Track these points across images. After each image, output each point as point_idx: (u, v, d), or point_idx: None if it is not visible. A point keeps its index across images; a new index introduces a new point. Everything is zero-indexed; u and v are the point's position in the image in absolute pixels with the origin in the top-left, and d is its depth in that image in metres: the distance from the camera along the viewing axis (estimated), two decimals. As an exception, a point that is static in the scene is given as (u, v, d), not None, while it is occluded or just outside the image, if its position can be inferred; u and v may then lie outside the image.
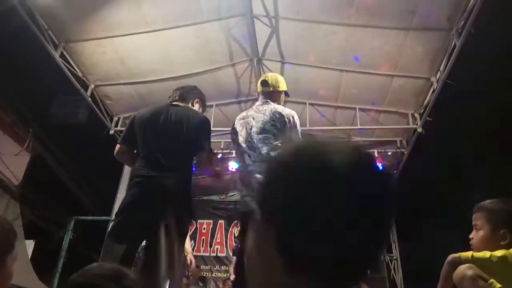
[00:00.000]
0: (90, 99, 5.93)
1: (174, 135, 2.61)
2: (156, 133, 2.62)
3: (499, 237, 1.84)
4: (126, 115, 6.68)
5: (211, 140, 7.06)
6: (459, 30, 4.50)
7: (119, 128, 6.61)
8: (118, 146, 2.75)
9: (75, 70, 5.57)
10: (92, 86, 5.93)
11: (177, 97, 2.90)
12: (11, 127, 6.68)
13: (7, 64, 5.77)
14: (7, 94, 6.33)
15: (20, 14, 4.44)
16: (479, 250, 1.81)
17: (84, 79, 5.77)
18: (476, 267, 1.69)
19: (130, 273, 1.14)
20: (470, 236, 1.99)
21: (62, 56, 5.28)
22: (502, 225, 1.86)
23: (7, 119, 6.59)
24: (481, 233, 1.93)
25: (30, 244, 7.69)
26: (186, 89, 2.97)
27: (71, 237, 7.42)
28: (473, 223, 1.99)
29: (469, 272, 1.68)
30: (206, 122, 2.80)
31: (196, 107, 2.97)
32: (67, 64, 5.38)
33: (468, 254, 1.78)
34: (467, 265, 1.72)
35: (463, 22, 4.38)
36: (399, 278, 7.89)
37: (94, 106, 6.10)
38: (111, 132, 6.50)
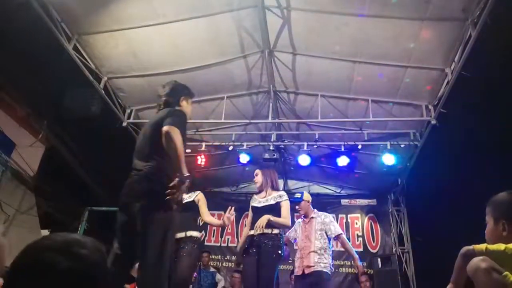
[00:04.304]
0: (103, 91, 5.99)
1: (145, 136, 2.78)
2: (138, 141, 2.87)
3: (501, 229, 1.84)
4: (139, 107, 6.74)
5: (222, 133, 6.98)
6: (475, 20, 4.41)
7: (131, 120, 6.66)
8: None
9: (88, 62, 5.62)
10: (105, 78, 5.98)
11: (162, 106, 2.96)
12: (26, 119, 6.77)
13: (21, 57, 5.84)
14: (22, 87, 6.41)
15: (34, 7, 4.49)
16: (490, 243, 1.80)
17: (97, 71, 5.82)
18: (490, 259, 1.68)
19: (86, 242, 1.00)
20: (486, 230, 2.00)
21: (75, 48, 5.33)
22: (501, 217, 1.86)
23: (22, 112, 6.68)
24: (488, 226, 1.94)
25: (45, 234, 7.85)
26: (169, 93, 3.00)
27: (85, 228, 7.55)
28: (486, 217, 2.00)
29: (483, 265, 1.67)
30: (173, 110, 2.79)
31: (184, 103, 3.04)
32: (80, 57, 5.43)
33: (482, 246, 1.77)
34: (481, 257, 1.71)
35: (478, 12, 4.30)
36: (411, 271, 7.87)
37: (107, 98, 6.15)
38: (124, 124, 6.56)
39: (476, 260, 1.71)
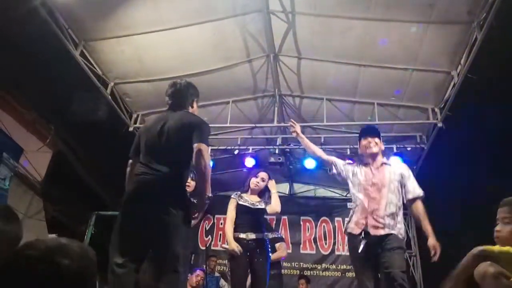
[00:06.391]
0: (109, 96, 6.04)
1: (166, 138, 2.67)
2: (152, 139, 2.71)
3: None
4: (145, 112, 6.78)
5: (228, 137, 7.00)
6: (480, 23, 4.40)
7: (138, 125, 6.71)
8: (129, 161, 2.85)
9: (94, 68, 5.68)
10: (112, 83, 6.04)
11: (174, 104, 2.91)
12: (33, 124, 6.83)
13: (29, 63, 5.89)
14: (29, 93, 6.47)
15: (42, 14, 4.55)
16: (505, 244, 1.79)
17: (103, 77, 5.88)
18: (497, 264, 1.67)
19: (71, 249, 0.98)
20: (497, 229, 1.96)
21: (82, 54, 5.39)
22: None
23: (30, 117, 6.73)
24: (505, 228, 1.90)
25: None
26: (181, 93, 2.92)
27: (93, 232, 7.58)
28: (501, 216, 1.96)
29: (491, 270, 1.66)
30: (200, 120, 2.77)
31: (195, 106, 3.00)
32: (87, 63, 5.49)
33: (494, 248, 1.75)
34: (488, 262, 1.70)
35: (484, 14, 4.29)
36: (418, 274, 7.80)
37: (114, 104, 6.21)
38: (131, 129, 6.60)
39: (484, 265, 1.70)
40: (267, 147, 7.17)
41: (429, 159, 6.67)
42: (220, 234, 8.70)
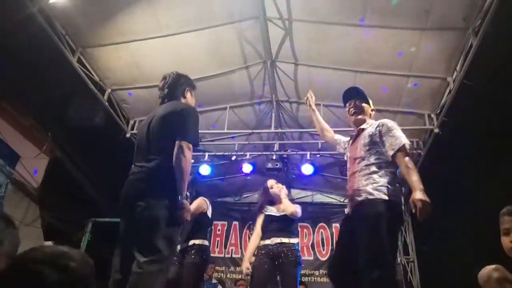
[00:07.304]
0: (107, 103, 6.04)
1: (151, 133, 2.57)
2: (142, 137, 2.64)
3: None
4: (142, 118, 6.76)
5: (225, 143, 6.96)
6: (476, 29, 4.44)
7: (135, 131, 6.70)
8: None
9: (92, 74, 5.68)
10: (109, 90, 6.04)
11: (164, 96, 2.84)
12: (30, 131, 6.80)
13: (26, 69, 5.88)
14: (26, 99, 6.45)
15: (39, 20, 4.54)
16: None
17: (101, 83, 5.88)
18: (503, 269, 1.66)
19: (75, 255, 0.99)
20: None
21: (79, 61, 5.39)
22: None
23: (26, 124, 6.71)
24: None
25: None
26: (171, 84, 2.86)
27: (89, 239, 7.55)
28: None
29: (496, 274, 1.65)
30: (183, 107, 2.60)
31: (188, 96, 2.91)
32: (84, 69, 5.49)
33: None
34: (494, 266, 1.68)
35: (479, 21, 4.32)
36: (416, 280, 7.79)
37: (111, 110, 6.20)
38: (128, 135, 6.59)
39: (488, 269, 1.69)
40: (264, 153, 7.18)
41: (426, 165, 6.68)
42: (218, 241, 8.67)
